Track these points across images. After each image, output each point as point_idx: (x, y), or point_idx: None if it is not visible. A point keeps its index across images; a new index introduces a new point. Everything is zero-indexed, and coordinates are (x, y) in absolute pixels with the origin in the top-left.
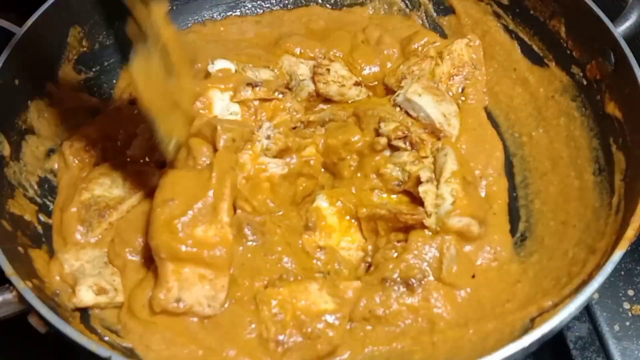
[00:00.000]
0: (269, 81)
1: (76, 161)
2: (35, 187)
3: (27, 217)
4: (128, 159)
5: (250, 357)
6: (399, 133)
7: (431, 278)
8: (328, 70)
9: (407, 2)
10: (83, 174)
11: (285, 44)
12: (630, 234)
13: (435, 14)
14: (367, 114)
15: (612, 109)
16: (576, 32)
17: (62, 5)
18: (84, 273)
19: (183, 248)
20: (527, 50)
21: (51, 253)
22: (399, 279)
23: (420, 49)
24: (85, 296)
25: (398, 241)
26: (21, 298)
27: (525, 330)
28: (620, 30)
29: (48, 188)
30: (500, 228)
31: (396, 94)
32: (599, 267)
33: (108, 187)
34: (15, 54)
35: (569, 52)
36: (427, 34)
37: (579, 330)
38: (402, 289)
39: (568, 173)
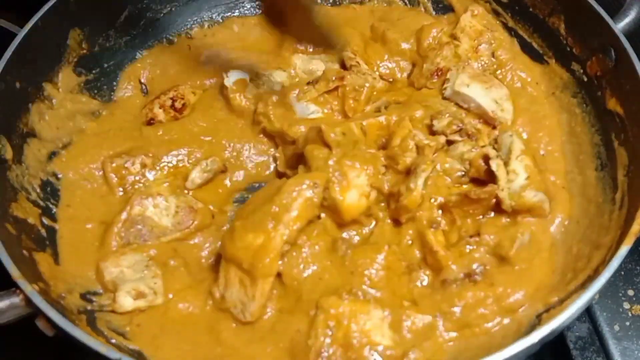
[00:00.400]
0: (324, 73)
1: (116, 179)
2: (38, 190)
3: (31, 220)
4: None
5: None
6: (454, 127)
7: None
8: (358, 63)
9: (406, 0)
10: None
11: (293, 45)
12: (636, 228)
13: (434, 12)
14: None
15: (613, 105)
16: (576, 29)
17: (62, 7)
18: (124, 279)
19: (230, 249)
20: (526, 48)
21: (55, 256)
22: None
23: (432, 42)
24: (125, 302)
25: (470, 236)
26: (28, 301)
27: (532, 327)
28: (620, 26)
29: (50, 191)
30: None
31: (443, 87)
32: (605, 262)
33: (160, 211)
34: (15, 56)
35: (569, 49)
36: (432, 27)
37: (579, 330)
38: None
39: (570, 169)
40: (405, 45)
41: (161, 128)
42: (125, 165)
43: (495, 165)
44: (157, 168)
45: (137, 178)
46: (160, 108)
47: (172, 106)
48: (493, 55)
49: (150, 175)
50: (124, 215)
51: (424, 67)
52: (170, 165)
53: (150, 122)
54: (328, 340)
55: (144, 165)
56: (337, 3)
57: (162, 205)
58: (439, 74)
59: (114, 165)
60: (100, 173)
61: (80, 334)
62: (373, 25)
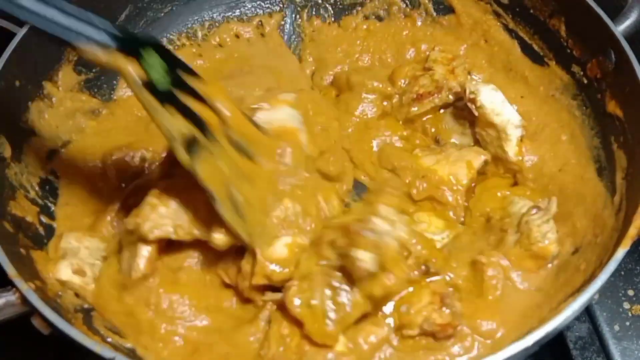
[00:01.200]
0: None
1: (114, 172)
2: (37, 188)
3: (29, 218)
4: None
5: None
6: None
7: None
8: None
9: (407, 1)
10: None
11: None
12: (633, 232)
13: (435, 14)
14: None
15: (613, 107)
16: (576, 31)
17: None
18: (76, 254)
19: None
20: (527, 50)
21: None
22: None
23: (406, 79)
24: (62, 271)
25: None
26: (24, 300)
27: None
28: (620, 29)
29: (49, 189)
30: None
31: None
32: (601, 265)
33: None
34: (15, 55)
35: (569, 51)
36: (404, 67)
37: (579, 330)
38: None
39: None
40: (375, 84)
41: None
42: (125, 159)
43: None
44: (157, 163)
45: (137, 172)
46: None
47: None
48: (469, 74)
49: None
50: (117, 205)
51: (403, 98)
52: None
53: None
54: (281, 349)
55: (143, 160)
56: (338, 4)
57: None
58: (420, 98)
59: (114, 158)
60: (99, 172)
61: (75, 332)
62: (335, 75)
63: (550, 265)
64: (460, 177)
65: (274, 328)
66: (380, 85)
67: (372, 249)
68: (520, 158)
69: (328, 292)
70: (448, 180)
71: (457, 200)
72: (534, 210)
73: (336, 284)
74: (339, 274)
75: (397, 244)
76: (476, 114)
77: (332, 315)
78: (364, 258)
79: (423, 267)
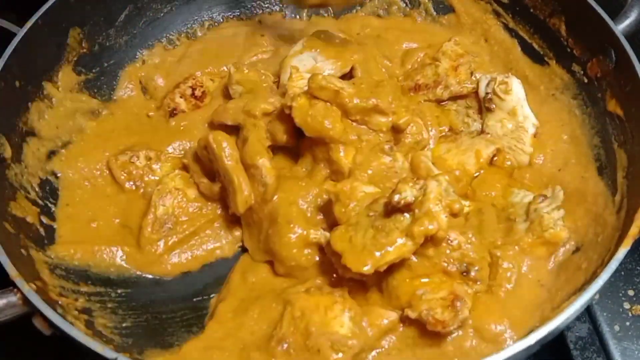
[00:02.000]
0: None
1: (124, 175)
2: (37, 189)
3: (29, 219)
4: None
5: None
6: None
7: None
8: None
9: (406, 1)
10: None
11: None
12: (634, 231)
13: (435, 13)
14: None
15: (613, 106)
16: (576, 30)
17: (62, 6)
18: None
19: None
20: (527, 49)
21: None
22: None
23: (414, 65)
24: None
25: None
26: (26, 300)
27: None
28: (620, 28)
29: (49, 190)
30: None
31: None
32: (603, 264)
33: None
34: (15, 55)
35: (569, 50)
36: (417, 51)
37: (579, 330)
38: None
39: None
40: (386, 61)
41: (183, 119)
42: (131, 161)
43: None
44: (162, 159)
45: (144, 172)
46: (181, 97)
47: (193, 95)
48: (472, 74)
49: (157, 167)
50: (150, 217)
51: (404, 84)
52: (174, 155)
53: (173, 112)
54: (290, 330)
55: (148, 159)
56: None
57: (183, 200)
58: (416, 89)
59: (119, 162)
60: (99, 172)
61: (76, 333)
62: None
63: (562, 249)
64: (468, 167)
65: (288, 310)
66: (390, 64)
67: (415, 188)
68: (532, 150)
69: (370, 231)
70: (456, 170)
71: (461, 189)
72: (541, 199)
73: (379, 224)
74: (384, 217)
75: (440, 191)
76: (501, 100)
77: (370, 249)
78: (404, 189)
79: (465, 266)
